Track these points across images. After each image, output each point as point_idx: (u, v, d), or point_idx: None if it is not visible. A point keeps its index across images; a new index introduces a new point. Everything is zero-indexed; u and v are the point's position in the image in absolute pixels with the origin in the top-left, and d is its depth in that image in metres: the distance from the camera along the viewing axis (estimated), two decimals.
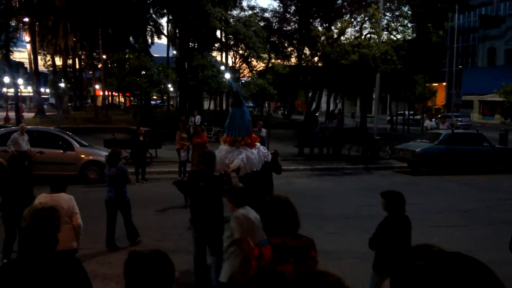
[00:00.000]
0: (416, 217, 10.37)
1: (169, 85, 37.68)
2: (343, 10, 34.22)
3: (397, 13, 27.58)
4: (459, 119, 39.14)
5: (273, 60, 43.32)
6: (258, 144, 8.49)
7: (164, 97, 58.83)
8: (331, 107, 46.87)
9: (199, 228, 5.80)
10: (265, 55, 41.14)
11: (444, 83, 54.42)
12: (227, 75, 32.03)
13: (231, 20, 34.44)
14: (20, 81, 40.92)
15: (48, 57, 53.35)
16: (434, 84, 43.94)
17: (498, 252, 7.73)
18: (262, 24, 39.19)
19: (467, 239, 8.25)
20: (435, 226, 9.26)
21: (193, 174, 6.58)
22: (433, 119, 22.60)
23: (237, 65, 48.12)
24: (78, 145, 14.14)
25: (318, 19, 36.98)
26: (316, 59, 32.77)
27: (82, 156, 13.74)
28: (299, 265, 3.01)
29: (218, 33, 38.52)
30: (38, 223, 2.70)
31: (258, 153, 8.25)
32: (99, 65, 45.32)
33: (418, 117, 40.64)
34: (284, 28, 42.57)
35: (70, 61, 52.72)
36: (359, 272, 6.25)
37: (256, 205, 7.22)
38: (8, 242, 6.80)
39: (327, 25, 32.79)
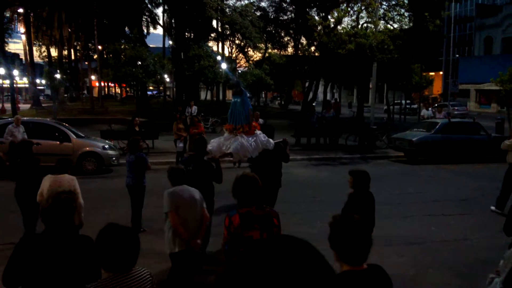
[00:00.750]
0: (413, 206, 10.45)
1: (165, 76, 37.54)
2: None
3: (393, 2, 27.42)
4: (456, 108, 39.16)
5: (269, 50, 43.21)
6: (258, 132, 8.67)
7: (161, 88, 58.63)
8: (328, 97, 46.87)
9: None
10: (262, 45, 41.00)
11: (441, 72, 54.38)
12: (224, 65, 31.89)
13: (227, 9, 34.23)
14: (15, 72, 40.71)
15: (44, 48, 52.99)
16: (431, 73, 43.96)
17: (495, 240, 7.79)
18: (258, 13, 38.99)
19: (464, 227, 8.31)
20: (432, 214, 9.31)
21: (184, 160, 7.00)
22: (430, 108, 22.61)
23: (234, 55, 47.87)
24: (74, 136, 14.11)
25: (315, 8, 36.75)
26: (312, 48, 32.65)
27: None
28: (264, 231, 3.48)
29: (214, 23, 38.30)
30: (60, 204, 3.20)
31: (256, 141, 8.41)
32: (95, 56, 45.07)
33: (415, 106, 40.65)
34: (281, 18, 42.34)
35: (65, 52, 52.33)
36: None
37: (266, 192, 7.45)
38: (27, 223, 7.21)
39: (323, 14, 32.58)
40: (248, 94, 10.83)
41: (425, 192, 11.31)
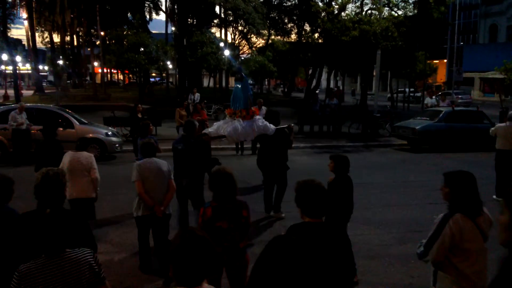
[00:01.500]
0: (415, 194, 10.45)
1: (168, 62, 37.39)
2: None
3: None
4: (460, 96, 38.96)
5: (272, 37, 42.90)
6: (257, 117, 8.98)
7: (163, 75, 58.48)
8: (332, 85, 46.64)
9: (179, 185, 6.63)
10: (265, 32, 40.68)
11: (445, 60, 54.07)
12: (226, 52, 31.73)
13: None
14: (18, 58, 40.57)
15: (46, 34, 52.85)
16: (435, 61, 43.68)
17: (496, 227, 7.80)
18: None
19: None
20: (434, 203, 9.30)
21: (175, 140, 7.51)
22: (434, 97, 22.49)
23: (237, 42, 47.61)
24: (78, 123, 14.13)
25: None
26: (316, 35, 32.40)
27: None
28: (232, 222, 4.02)
29: (217, 8, 38.05)
30: (49, 180, 3.42)
31: (251, 125, 8.75)
32: (97, 42, 44.89)
33: (419, 94, 40.47)
34: (284, 4, 41.98)
35: (68, 38, 52.19)
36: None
37: (271, 175, 8.06)
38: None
39: (327, 0, 32.31)
40: (250, 81, 11.44)
41: (428, 181, 11.30)
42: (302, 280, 2.00)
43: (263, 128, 8.80)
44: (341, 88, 41.49)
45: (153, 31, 43.97)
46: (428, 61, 36.99)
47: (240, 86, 8.98)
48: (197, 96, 23.07)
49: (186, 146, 7.01)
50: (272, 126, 8.78)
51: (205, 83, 62.11)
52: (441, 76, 52.65)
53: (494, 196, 9.57)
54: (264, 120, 9.10)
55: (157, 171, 5.87)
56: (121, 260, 6.34)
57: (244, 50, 48.35)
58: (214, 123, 9.40)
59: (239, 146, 15.11)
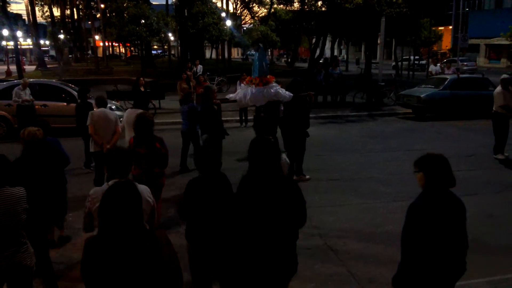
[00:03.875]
0: None
1: (170, 34, 37.01)
2: None
3: None
4: (465, 63, 38.50)
5: (275, 6, 42.15)
6: (273, 84, 9.89)
7: (165, 47, 57.96)
8: (336, 54, 46.13)
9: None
10: (267, 0, 40.04)
11: (450, 27, 53.00)
12: (228, 22, 31.35)
13: None
14: (19, 33, 40.25)
15: (46, 8, 52.21)
16: (440, 28, 42.93)
17: (502, 195, 7.84)
18: None
19: (472, 182, 8.32)
20: None
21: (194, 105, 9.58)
22: (438, 64, 22.24)
23: (238, 12, 46.98)
24: None
25: None
26: (319, 3, 31.86)
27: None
28: (147, 149, 5.54)
29: None
30: (36, 139, 4.74)
31: (262, 91, 9.68)
32: (98, 15, 44.36)
33: (424, 62, 40.01)
34: None
35: (68, 12, 51.61)
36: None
37: (292, 141, 8.63)
38: (87, 153, 9.23)
39: None
40: (253, 52, 13.24)
41: (433, 149, 11.27)
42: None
43: (275, 95, 9.62)
44: (341, 57, 40.98)
45: (154, 2, 43.40)
46: (433, 28, 36.41)
47: (256, 56, 10.04)
48: (199, 68, 22.91)
49: (202, 109, 8.35)
50: (287, 93, 9.34)
51: (208, 55, 61.62)
52: (446, 43, 51.78)
53: (494, 156, 10.30)
54: (278, 87, 9.85)
55: (105, 117, 7.87)
56: None
57: (246, 20, 47.77)
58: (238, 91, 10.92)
59: (243, 117, 15.08)
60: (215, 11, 31.41)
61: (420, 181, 3.19)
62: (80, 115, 9.18)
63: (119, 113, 14.35)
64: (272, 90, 9.69)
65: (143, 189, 3.54)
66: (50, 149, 5.18)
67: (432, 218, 2.99)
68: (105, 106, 8.18)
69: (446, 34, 47.68)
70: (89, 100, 9.67)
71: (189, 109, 9.47)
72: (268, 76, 10.06)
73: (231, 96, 10.77)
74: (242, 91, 10.25)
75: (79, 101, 10.06)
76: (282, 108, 10.27)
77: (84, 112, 8.63)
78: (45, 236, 4.77)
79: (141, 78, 14.67)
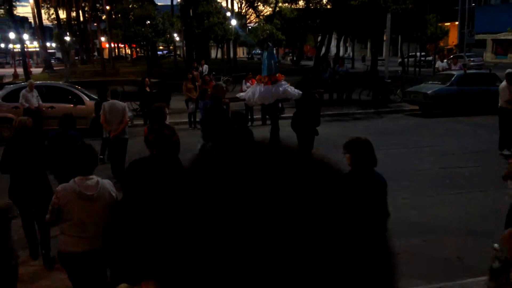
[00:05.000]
0: (427, 159, 10.41)
1: (175, 35, 37.08)
2: None
3: None
4: (472, 59, 38.24)
5: (280, 4, 42.12)
6: (282, 83, 10.01)
7: (171, 48, 58.07)
8: (341, 52, 45.99)
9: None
10: None
11: (457, 22, 52.66)
12: (233, 22, 31.34)
13: None
14: (25, 36, 40.51)
15: (52, 11, 52.46)
16: (446, 24, 42.67)
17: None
18: None
19: (479, 179, 8.29)
20: (447, 167, 9.29)
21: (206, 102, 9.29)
22: (445, 60, 22.10)
23: (243, 11, 46.94)
24: (88, 99, 14.15)
25: None
26: (324, 1, 31.85)
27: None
28: (157, 136, 5.76)
29: None
30: (26, 127, 5.51)
31: (270, 90, 9.78)
32: (103, 17, 44.55)
33: (430, 58, 39.79)
34: None
35: (74, 14, 51.83)
36: None
37: (301, 137, 8.67)
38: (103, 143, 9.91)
39: None
40: (258, 51, 13.55)
41: (440, 145, 11.24)
42: None
43: (283, 93, 9.77)
44: (346, 54, 40.84)
45: (159, 3, 43.50)
46: (439, 24, 36.17)
47: (266, 54, 10.32)
48: (205, 67, 22.92)
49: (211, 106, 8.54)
50: (295, 91, 9.53)
51: (213, 55, 61.63)
52: (453, 38, 51.50)
53: (499, 151, 10.27)
54: (287, 85, 9.99)
55: (114, 108, 8.94)
56: None
57: (251, 19, 47.69)
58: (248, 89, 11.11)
59: (249, 116, 15.08)
60: (220, 10, 31.45)
61: (348, 161, 3.68)
62: (99, 111, 9.83)
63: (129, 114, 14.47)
64: (280, 88, 9.81)
65: (106, 183, 3.89)
66: (71, 142, 5.64)
67: (355, 192, 3.37)
68: (117, 98, 9.42)
69: (453, 30, 47.43)
70: (108, 99, 10.09)
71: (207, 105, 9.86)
72: (277, 75, 10.17)
73: (241, 95, 11.03)
74: (251, 90, 10.44)
75: (98, 99, 10.89)
76: (281, 105, 10.59)
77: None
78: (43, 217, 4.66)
79: (147, 79, 14.69)
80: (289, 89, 9.82)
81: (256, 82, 10.55)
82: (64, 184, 3.84)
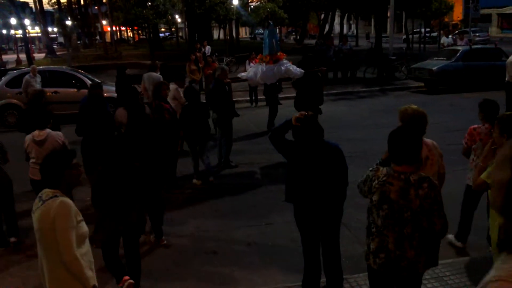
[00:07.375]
0: (434, 136, 10.30)
1: (176, 16, 36.74)
2: None
3: None
4: (477, 34, 37.77)
5: None
6: (283, 61, 9.86)
7: (173, 29, 57.63)
8: (345, 29, 45.47)
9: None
10: None
11: None
12: (235, 1, 30.96)
13: None
14: (26, 21, 40.29)
15: None
16: None
17: None
18: None
19: None
20: (453, 144, 9.21)
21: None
22: (450, 36, 21.82)
23: None
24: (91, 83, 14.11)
25: None
26: None
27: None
28: (157, 115, 6.88)
29: None
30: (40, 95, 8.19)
31: (272, 69, 9.67)
32: (104, 0, 44.18)
33: (435, 34, 39.32)
34: None
35: None
36: None
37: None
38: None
39: None
40: (261, 30, 13.47)
41: (446, 122, 11.18)
42: None
43: (285, 72, 9.68)
44: (350, 32, 40.39)
45: None
46: None
47: (266, 33, 10.19)
48: (207, 49, 22.78)
49: (213, 88, 8.49)
50: (298, 70, 9.44)
51: (215, 35, 61.13)
52: (458, 14, 50.79)
53: None
54: (289, 64, 9.86)
55: (151, 79, 10.19)
56: None
57: None
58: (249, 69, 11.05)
59: (253, 97, 15.03)
60: None
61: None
62: (119, 89, 10.46)
63: None
64: (282, 68, 9.69)
65: (55, 134, 5.82)
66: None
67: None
68: (154, 71, 11.26)
69: (457, 5, 46.72)
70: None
71: None
72: (278, 54, 10.04)
73: (243, 74, 10.92)
74: (253, 69, 10.32)
75: (116, 79, 11.90)
76: (278, 83, 10.58)
77: (123, 85, 9.85)
78: None
79: (156, 62, 14.59)
80: (291, 68, 9.74)
81: (257, 62, 10.49)
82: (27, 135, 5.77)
